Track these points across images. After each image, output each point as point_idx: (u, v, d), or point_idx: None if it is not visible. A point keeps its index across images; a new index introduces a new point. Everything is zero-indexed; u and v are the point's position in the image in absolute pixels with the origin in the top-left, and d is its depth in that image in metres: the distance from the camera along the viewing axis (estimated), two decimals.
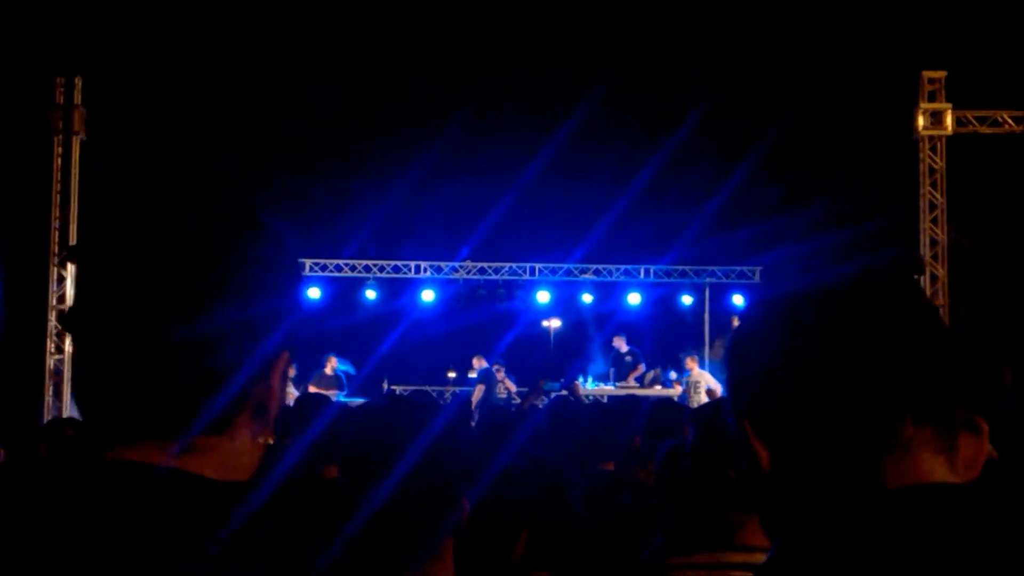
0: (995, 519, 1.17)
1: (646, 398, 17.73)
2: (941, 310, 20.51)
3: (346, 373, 20.67)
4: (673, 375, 21.62)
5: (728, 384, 1.42)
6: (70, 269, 20.55)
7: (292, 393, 19.47)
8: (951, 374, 1.28)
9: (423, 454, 2.10)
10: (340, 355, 20.73)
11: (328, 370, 19.93)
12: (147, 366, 1.24)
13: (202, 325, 1.23)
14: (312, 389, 18.84)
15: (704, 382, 19.80)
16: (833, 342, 1.28)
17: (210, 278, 1.27)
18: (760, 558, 2.69)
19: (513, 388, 21.02)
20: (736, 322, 28.81)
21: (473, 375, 21.25)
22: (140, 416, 1.24)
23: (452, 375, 22.53)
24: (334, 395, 18.12)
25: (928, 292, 20.89)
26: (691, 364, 20.48)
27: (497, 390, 20.62)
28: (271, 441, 1.30)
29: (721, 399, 3.23)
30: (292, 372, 18.67)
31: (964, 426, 1.30)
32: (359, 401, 20.57)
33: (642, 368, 20.98)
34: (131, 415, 1.24)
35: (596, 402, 18.68)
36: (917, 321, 1.30)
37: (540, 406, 13.15)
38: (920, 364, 1.26)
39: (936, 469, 1.25)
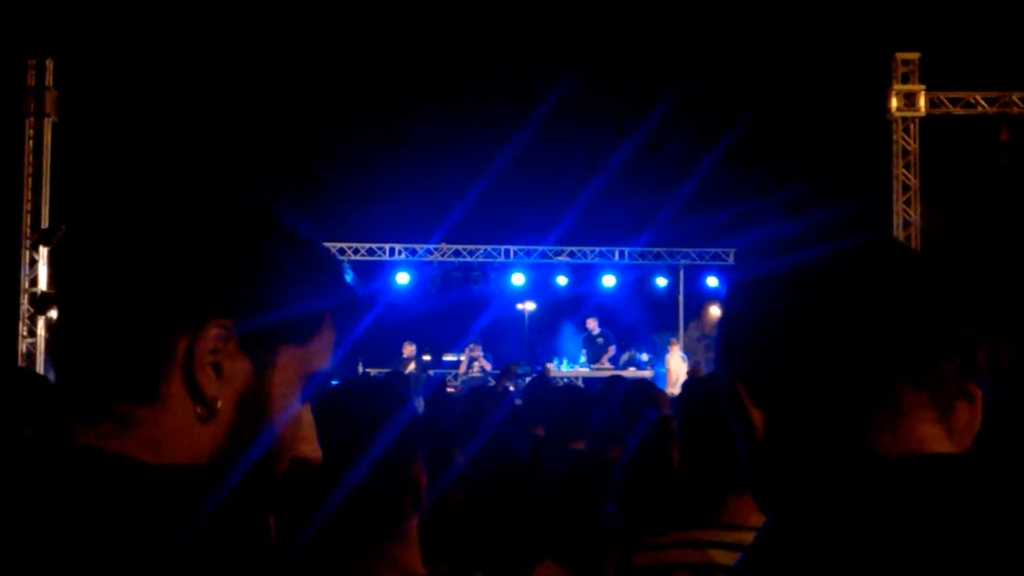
0: (991, 493, 1.15)
1: (622, 378, 17.78)
2: None
3: None
4: (645, 356, 21.68)
5: (721, 346, 1.38)
6: (42, 252, 20.42)
7: None
8: (948, 339, 1.26)
9: (375, 435, 2.09)
10: None
11: None
12: (81, 333, 1.21)
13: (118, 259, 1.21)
14: None
15: (682, 367, 19.86)
16: (828, 302, 1.26)
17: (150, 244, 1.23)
18: (738, 536, 2.69)
19: (488, 367, 21.03)
20: (711, 307, 28.92)
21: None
22: (79, 386, 1.20)
23: (427, 358, 22.49)
24: None
25: None
26: (673, 347, 20.56)
27: (472, 369, 20.65)
28: (221, 425, 1.24)
29: (706, 376, 3.22)
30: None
31: (959, 394, 1.28)
32: (332, 384, 20.56)
33: (613, 350, 21.04)
34: (73, 386, 1.21)
35: (571, 383, 18.73)
36: (915, 284, 1.28)
37: (512, 389, 13.16)
38: (917, 327, 1.25)
39: (933, 437, 1.23)
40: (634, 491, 3.60)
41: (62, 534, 1.07)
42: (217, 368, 1.22)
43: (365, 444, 2.07)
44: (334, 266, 1.42)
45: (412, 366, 20.49)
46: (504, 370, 10.85)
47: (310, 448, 1.34)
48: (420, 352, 21.34)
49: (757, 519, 2.65)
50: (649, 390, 6.40)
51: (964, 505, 1.14)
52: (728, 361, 1.36)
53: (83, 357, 1.21)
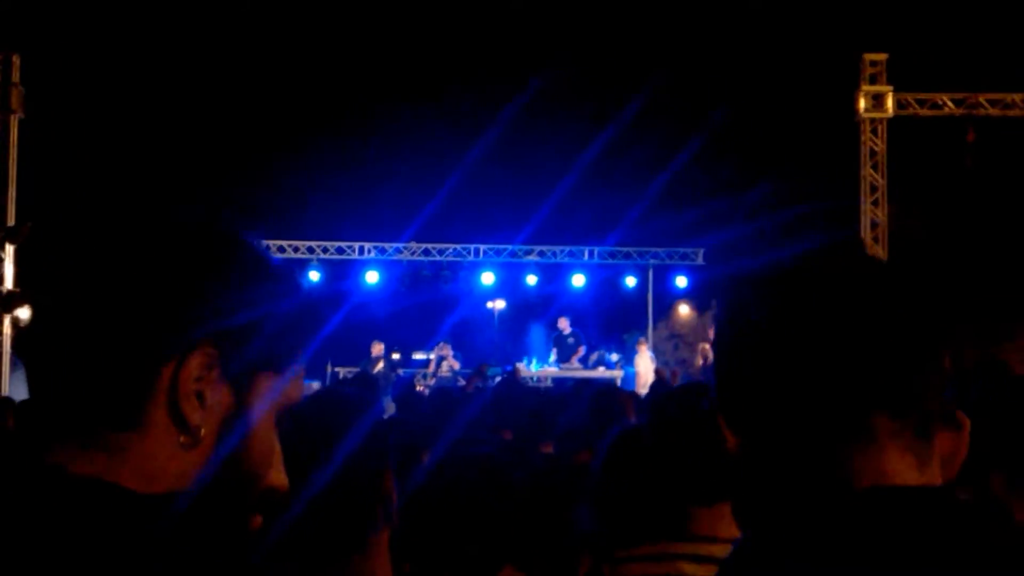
0: (952, 529, 1.14)
1: (590, 382, 17.79)
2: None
3: None
4: (615, 356, 21.72)
5: (711, 370, 1.37)
6: (8, 250, 20.25)
7: None
8: (925, 365, 1.24)
9: (343, 450, 2.09)
10: None
11: None
12: (66, 357, 1.20)
13: (115, 312, 1.20)
14: None
15: (651, 367, 19.88)
16: (799, 330, 1.24)
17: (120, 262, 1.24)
18: (709, 549, 2.69)
19: (458, 366, 21.02)
20: (680, 307, 28.97)
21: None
22: (61, 410, 1.20)
23: (396, 356, 22.44)
24: None
25: None
26: (641, 347, 20.58)
27: (442, 368, 20.63)
28: (203, 451, 1.26)
29: (680, 387, 3.21)
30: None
31: (941, 421, 1.25)
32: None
33: (583, 350, 21.04)
34: (54, 409, 1.21)
35: (537, 387, 18.73)
36: (885, 306, 1.25)
37: (483, 389, 13.13)
38: (888, 354, 1.22)
39: (902, 468, 1.21)
40: (607, 499, 3.59)
41: (43, 560, 1.08)
42: (200, 396, 1.23)
43: (334, 458, 2.06)
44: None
45: (381, 365, 20.46)
46: (475, 371, 10.85)
47: (278, 476, 1.35)
48: (389, 351, 21.29)
49: (727, 531, 2.66)
50: (616, 395, 6.40)
51: (916, 540, 1.13)
52: (715, 386, 1.35)
53: (67, 381, 1.20)
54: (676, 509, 2.78)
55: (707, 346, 19.57)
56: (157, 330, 1.21)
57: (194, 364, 1.22)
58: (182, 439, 1.22)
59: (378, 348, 20.89)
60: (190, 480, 1.23)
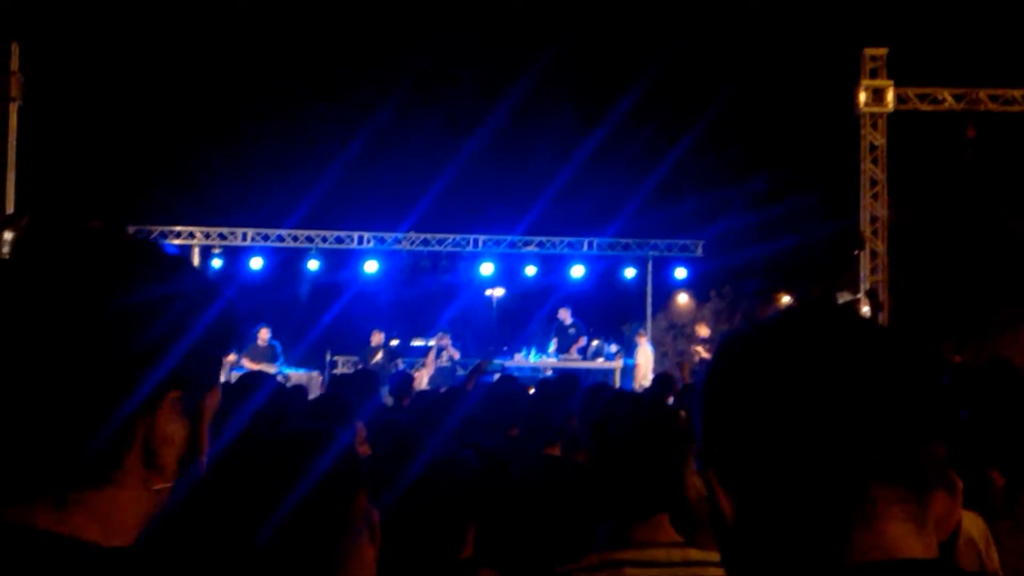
0: None
1: (584, 374, 17.78)
2: (880, 285, 20.74)
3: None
4: (614, 348, 21.70)
5: (699, 428, 1.33)
6: (6, 237, 20.26)
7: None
8: (923, 432, 1.21)
9: (316, 479, 2.12)
10: (278, 326, 20.52)
11: (260, 341, 19.72)
12: (24, 408, 1.20)
13: (78, 361, 1.20)
14: (246, 362, 18.68)
15: (650, 360, 19.91)
16: (790, 398, 1.21)
17: (86, 312, 1.23)
18: (652, 553, 2.75)
19: (457, 355, 21.02)
20: (679, 297, 28.95)
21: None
22: (24, 468, 1.21)
23: (395, 343, 22.38)
24: (272, 368, 17.99)
25: (868, 267, 21.12)
26: (640, 339, 20.59)
27: (441, 358, 20.62)
28: (168, 486, 1.28)
29: (616, 402, 3.19)
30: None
31: (938, 484, 1.24)
32: (300, 372, 20.52)
33: (583, 341, 21.03)
34: (16, 467, 1.21)
35: (541, 381, 18.74)
36: (884, 375, 1.21)
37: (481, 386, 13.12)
38: (887, 423, 1.19)
39: (905, 539, 1.19)
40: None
41: None
42: (172, 439, 1.28)
43: (303, 490, 2.10)
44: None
45: (379, 355, 20.44)
46: (474, 367, 10.86)
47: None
48: (388, 340, 21.27)
49: (667, 536, 2.75)
50: (605, 397, 6.42)
51: None
52: (704, 447, 1.31)
53: (39, 446, 1.21)
54: (619, 521, 2.85)
55: (700, 348, 19.56)
56: (132, 390, 1.23)
57: (166, 412, 1.26)
58: (156, 485, 1.25)
59: (377, 337, 20.88)
60: (152, 514, 1.27)
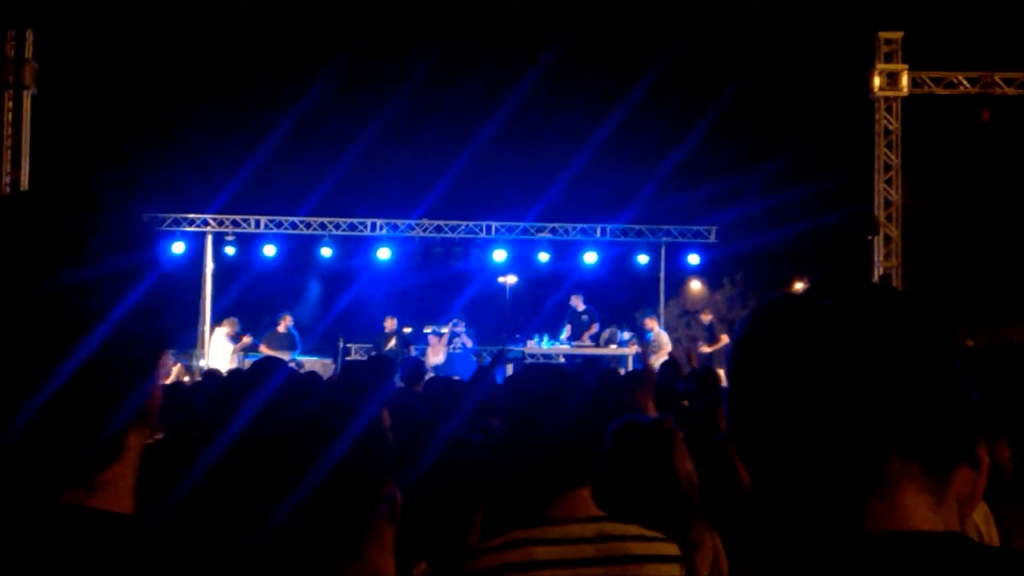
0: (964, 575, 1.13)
1: (598, 360, 17.78)
2: (894, 271, 20.68)
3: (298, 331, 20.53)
4: (627, 335, 21.68)
5: (726, 402, 1.34)
6: None
7: (233, 354, 19.38)
8: (942, 405, 1.21)
9: (347, 453, 2.10)
10: (291, 313, 20.56)
11: (281, 328, 19.78)
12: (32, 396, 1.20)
13: (69, 319, 1.20)
14: (263, 348, 18.72)
15: (664, 343, 19.85)
16: (809, 370, 1.21)
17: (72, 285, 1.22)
18: (566, 530, 2.71)
19: (470, 344, 21.02)
20: (692, 283, 28.97)
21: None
22: (64, 458, 1.23)
23: (408, 331, 22.37)
24: (288, 356, 18.00)
25: (882, 253, 21.06)
26: (651, 324, 20.53)
27: (454, 344, 20.64)
28: (159, 436, 1.34)
29: (531, 372, 3.16)
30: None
31: (962, 459, 1.23)
32: (313, 359, 20.55)
33: (596, 327, 21.00)
34: (56, 457, 1.23)
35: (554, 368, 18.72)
36: (902, 346, 1.21)
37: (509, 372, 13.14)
38: (903, 395, 1.19)
39: (919, 511, 1.19)
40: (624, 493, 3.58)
41: None
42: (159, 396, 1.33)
43: (333, 463, 2.08)
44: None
45: (393, 342, 20.46)
46: (496, 355, 10.87)
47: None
48: (401, 325, 21.28)
49: (585, 511, 2.71)
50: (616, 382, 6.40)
51: None
52: (730, 420, 1.32)
53: (63, 435, 1.22)
54: (532, 496, 2.80)
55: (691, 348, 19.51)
56: (142, 358, 1.27)
57: (159, 378, 1.31)
58: (147, 441, 1.31)
59: (391, 323, 20.89)
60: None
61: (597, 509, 2.78)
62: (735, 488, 2.88)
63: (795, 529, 1.23)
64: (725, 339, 19.84)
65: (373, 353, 19.13)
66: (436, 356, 20.04)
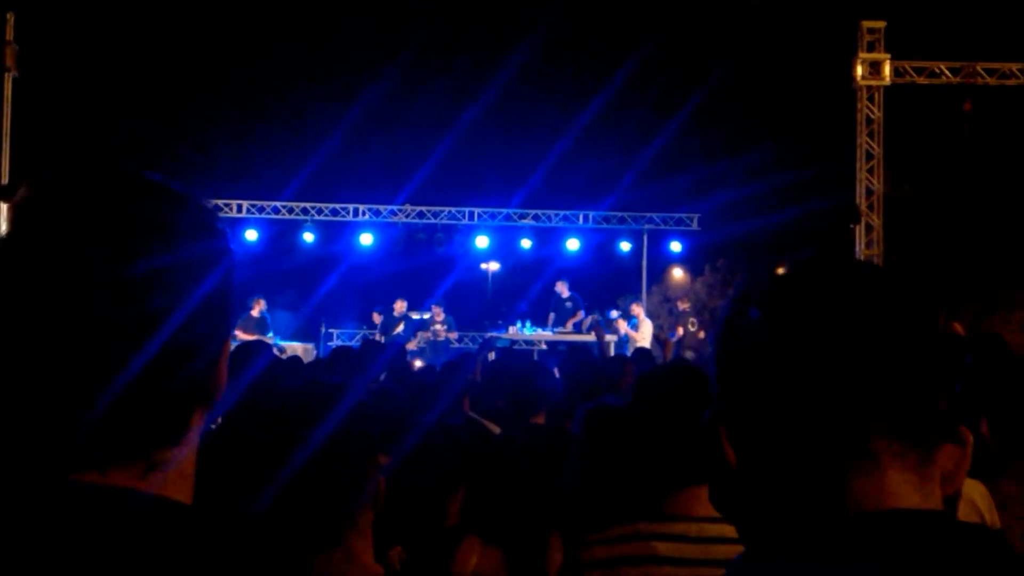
0: (949, 554, 1.13)
1: (567, 346, 17.78)
2: (876, 259, 20.74)
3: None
4: (615, 313, 21.64)
5: (712, 381, 1.34)
6: (2, 208, 20.20)
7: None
8: (927, 383, 1.21)
9: (334, 435, 2.10)
10: (273, 298, 20.49)
11: (255, 312, 19.69)
12: (96, 372, 1.16)
13: (144, 309, 1.17)
14: (238, 333, 18.66)
15: (648, 330, 19.86)
16: (794, 349, 1.21)
17: (144, 264, 1.18)
18: (683, 527, 2.71)
19: (443, 333, 21.00)
20: (674, 271, 29.05)
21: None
22: (100, 431, 1.18)
23: (416, 315, 22.29)
24: (269, 340, 17.93)
25: (864, 241, 21.12)
26: (637, 310, 20.53)
27: (437, 332, 20.59)
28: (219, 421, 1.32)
29: (658, 370, 3.20)
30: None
31: (946, 438, 1.22)
32: (295, 344, 20.51)
33: (581, 315, 21.01)
34: (88, 430, 1.17)
35: (527, 354, 18.75)
36: (887, 325, 1.21)
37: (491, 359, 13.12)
38: (889, 374, 1.19)
39: (903, 489, 1.19)
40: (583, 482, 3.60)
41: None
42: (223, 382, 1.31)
43: (320, 443, 2.08)
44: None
45: (402, 326, 20.36)
46: (483, 343, 10.90)
47: None
48: (384, 312, 21.19)
49: (702, 510, 2.69)
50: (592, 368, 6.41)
51: (914, 566, 1.11)
52: (717, 399, 1.32)
53: (113, 409, 1.18)
54: (653, 492, 2.80)
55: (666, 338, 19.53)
56: (209, 347, 1.25)
57: (224, 359, 1.29)
58: (204, 415, 1.28)
59: (400, 306, 20.78)
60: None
61: (713, 509, 2.80)
62: (721, 468, 2.90)
63: (780, 509, 1.23)
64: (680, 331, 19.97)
65: (381, 337, 19.10)
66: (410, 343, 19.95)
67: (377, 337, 19.42)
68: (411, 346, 19.82)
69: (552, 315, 20.93)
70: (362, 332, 21.72)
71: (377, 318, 20.93)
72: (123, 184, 1.25)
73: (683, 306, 21.35)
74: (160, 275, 1.19)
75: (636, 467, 2.91)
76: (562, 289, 21.00)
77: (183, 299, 1.20)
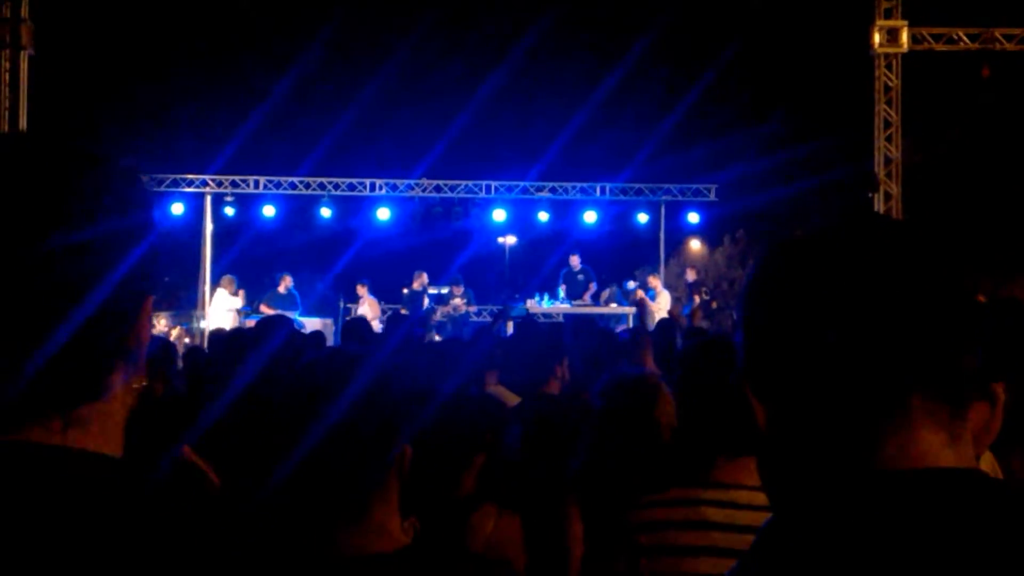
0: (982, 513, 1.11)
1: (598, 320, 17.78)
2: None
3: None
4: (632, 283, 21.61)
5: (738, 337, 1.32)
6: None
7: (234, 314, 19.42)
8: (963, 341, 1.19)
9: (360, 403, 2.11)
10: (294, 273, 20.54)
11: (282, 289, 19.79)
12: (14, 332, 1.19)
13: (66, 279, 1.19)
14: (264, 309, 18.74)
15: (666, 301, 19.85)
16: (829, 305, 1.19)
17: (61, 226, 1.19)
18: (732, 495, 2.73)
19: (472, 308, 21.04)
20: (691, 243, 28.98)
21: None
22: (18, 390, 1.19)
23: (433, 290, 22.29)
24: (291, 316, 17.98)
25: (882, 210, 21.03)
26: (655, 282, 20.51)
27: (456, 306, 20.60)
28: (144, 383, 1.30)
29: (706, 340, 3.21)
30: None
31: (978, 394, 1.21)
32: (313, 319, 20.56)
33: (594, 287, 20.99)
34: (30, 392, 1.19)
35: (548, 324, 18.75)
36: (925, 281, 1.19)
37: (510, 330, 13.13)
38: (927, 331, 1.17)
39: (935, 447, 1.17)
40: (609, 445, 3.62)
41: (59, 532, 1.13)
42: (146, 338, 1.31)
43: (344, 411, 2.09)
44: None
45: (426, 301, 20.38)
46: (499, 312, 10.90)
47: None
48: (404, 286, 21.20)
49: (750, 479, 2.70)
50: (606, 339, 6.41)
51: (947, 525, 1.10)
52: (742, 355, 1.30)
53: (39, 367, 1.20)
54: (701, 457, 2.83)
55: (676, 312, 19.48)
56: (128, 306, 1.26)
57: (146, 314, 1.29)
58: (134, 384, 1.28)
59: (421, 280, 20.81)
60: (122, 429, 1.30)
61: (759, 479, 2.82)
62: (749, 428, 2.91)
63: (810, 468, 1.22)
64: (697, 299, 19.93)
65: (403, 311, 19.12)
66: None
67: (402, 311, 19.44)
68: (433, 319, 19.86)
69: (563, 287, 20.92)
70: (381, 306, 21.72)
71: (419, 281, 20.93)
72: (46, 153, 1.26)
73: (692, 276, 21.33)
74: (82, 244, 1.20)
75: (686, 433, 2.94)
76: (575, 262, 21.00)
77: (106, 267, 1.21)
